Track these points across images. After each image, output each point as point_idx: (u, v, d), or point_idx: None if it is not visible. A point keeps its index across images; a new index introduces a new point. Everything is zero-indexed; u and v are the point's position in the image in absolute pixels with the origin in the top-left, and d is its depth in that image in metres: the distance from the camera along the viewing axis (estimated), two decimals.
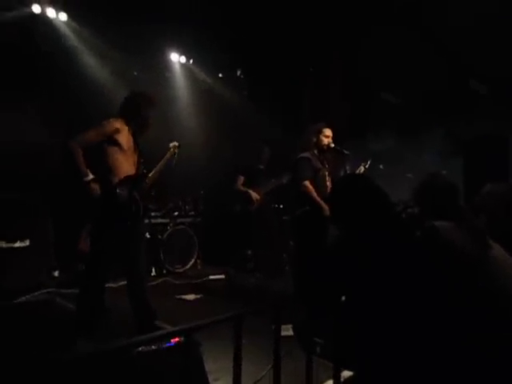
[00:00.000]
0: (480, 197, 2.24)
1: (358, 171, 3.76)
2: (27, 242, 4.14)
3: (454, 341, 1.24)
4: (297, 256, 3.83)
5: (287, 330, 2.44)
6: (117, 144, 2.71)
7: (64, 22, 4.97)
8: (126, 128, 2.78)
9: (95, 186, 2.62)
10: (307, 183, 3.53)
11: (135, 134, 2.88)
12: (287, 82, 6.25)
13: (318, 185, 3.59)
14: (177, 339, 1.63)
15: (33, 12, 4.70)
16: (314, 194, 3.52)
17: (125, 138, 2.75)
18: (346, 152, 3.62)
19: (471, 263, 1.30)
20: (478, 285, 1.28)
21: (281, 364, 1.44)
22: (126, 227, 2.72)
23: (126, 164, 2.75)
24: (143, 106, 2.82)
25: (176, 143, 3.10)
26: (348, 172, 3.59)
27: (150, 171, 2.99)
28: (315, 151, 3.67)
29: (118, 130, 2.71)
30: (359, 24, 5.28)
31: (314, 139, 3.67)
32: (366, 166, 3.81)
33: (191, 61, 6.25)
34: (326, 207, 3.49)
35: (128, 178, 2.75)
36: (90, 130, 2.67)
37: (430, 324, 1.25)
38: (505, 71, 4.98)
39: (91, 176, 2.62)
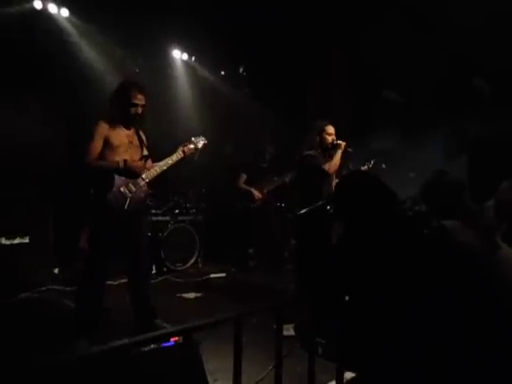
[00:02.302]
0: (500, 194, 2.17)
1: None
2: (27, 239, 4.12)
3: (461, 342, 1.21)
4: (300, 254, 3.80)
5: (289, 330, 2.41)
6: (107, 141, 2.74)
7: (66, 18, 4.94)
8: (114, 124, 2.78)
9: (135, 164, 2.75)
10: (327, 166, 3.50)
11: (134, 128, 2.86)
12: (290, 79, 6.21)
13: None
14: (176, 338, 1.61)
15: (34, 7, 4.66)
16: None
17: (114, 134, 2.77)
18: (349, 149, 3.60)
19: (480, 263, 1.27)
20: (487, 285, 1.25)
21: (282, 364, 1.42)
22: (113, 223, 2.70)
23: (117, 160, 2.75)
24: (117, 97, 2.81)
25: (204, 140, 3.14)
26: (351, 169, 3.56)
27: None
28: (319, 150, 3.65)
29: (107, 129, 2.75)
30: (362, 22, 5.25)
31: (318, 138, 3.64)
32: (370, 166, 3.78)
33: (193, 58, 6.22)
34: None
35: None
36: (90, 140, 2.73)
37: (436, 325, 1.22)
38: (509, 70, 4.93)
39: (122, 160, 2.70)
